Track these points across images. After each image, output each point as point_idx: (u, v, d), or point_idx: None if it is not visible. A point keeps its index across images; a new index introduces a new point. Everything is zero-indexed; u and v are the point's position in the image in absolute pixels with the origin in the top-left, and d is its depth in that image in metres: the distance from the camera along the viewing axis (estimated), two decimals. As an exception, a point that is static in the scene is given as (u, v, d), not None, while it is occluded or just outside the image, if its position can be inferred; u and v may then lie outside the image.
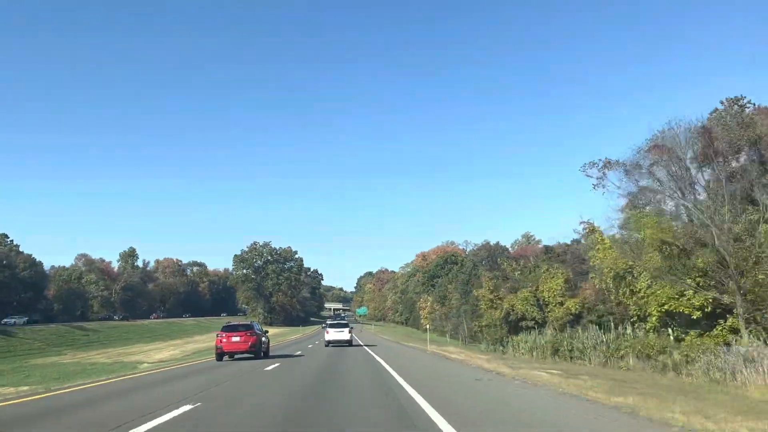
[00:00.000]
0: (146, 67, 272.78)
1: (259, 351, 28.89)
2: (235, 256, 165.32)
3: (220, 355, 28.21)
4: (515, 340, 43.42)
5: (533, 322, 46.29)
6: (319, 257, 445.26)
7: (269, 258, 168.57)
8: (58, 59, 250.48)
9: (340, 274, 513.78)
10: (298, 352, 35.73)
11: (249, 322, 31.58)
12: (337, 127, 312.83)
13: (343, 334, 42.16)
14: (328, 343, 42.25)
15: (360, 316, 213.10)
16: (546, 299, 46.10)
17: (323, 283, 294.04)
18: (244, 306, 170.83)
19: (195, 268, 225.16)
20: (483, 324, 50.82)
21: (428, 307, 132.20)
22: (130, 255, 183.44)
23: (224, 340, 28.15)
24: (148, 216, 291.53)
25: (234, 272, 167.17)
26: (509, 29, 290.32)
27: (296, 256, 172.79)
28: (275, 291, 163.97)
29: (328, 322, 48.95)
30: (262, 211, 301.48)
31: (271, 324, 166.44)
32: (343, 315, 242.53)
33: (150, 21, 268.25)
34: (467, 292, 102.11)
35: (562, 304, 44.58)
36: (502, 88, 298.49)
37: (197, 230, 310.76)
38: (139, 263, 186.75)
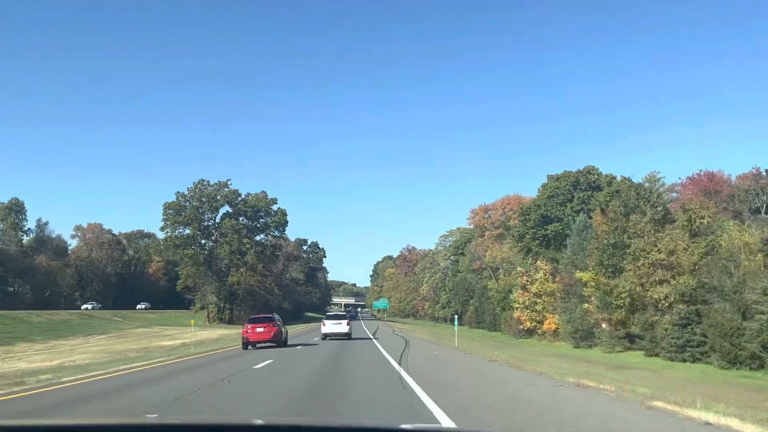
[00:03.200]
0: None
1: (280, 340, 32.13)
2: (167, 204, 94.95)
3: (245, 345, 31.16)
4: None
5: None
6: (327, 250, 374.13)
7: (228, 210, 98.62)
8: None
9: (351, 271, 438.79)
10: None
11: (270, 314, 36.53)
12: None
13: (341, 327, 40.58)
14: (326, 336, 40.54)
15: (378, 311, 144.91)
16: None
17: (330, 278, 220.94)
18: (185, 291, 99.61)
19: (143, 241, 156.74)
20: None
21: (537, 285, 61.78)
22: (11, 210, 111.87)
23: (249, 331, 31.27)
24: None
25: (167, 233, 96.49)
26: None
27: (275, 207, 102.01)
28: (237, 265, 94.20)
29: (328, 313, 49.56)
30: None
31: (230, 321, 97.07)
32: (356, 310, 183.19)
33: None
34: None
35: None
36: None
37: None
38: (31, 226, 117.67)
